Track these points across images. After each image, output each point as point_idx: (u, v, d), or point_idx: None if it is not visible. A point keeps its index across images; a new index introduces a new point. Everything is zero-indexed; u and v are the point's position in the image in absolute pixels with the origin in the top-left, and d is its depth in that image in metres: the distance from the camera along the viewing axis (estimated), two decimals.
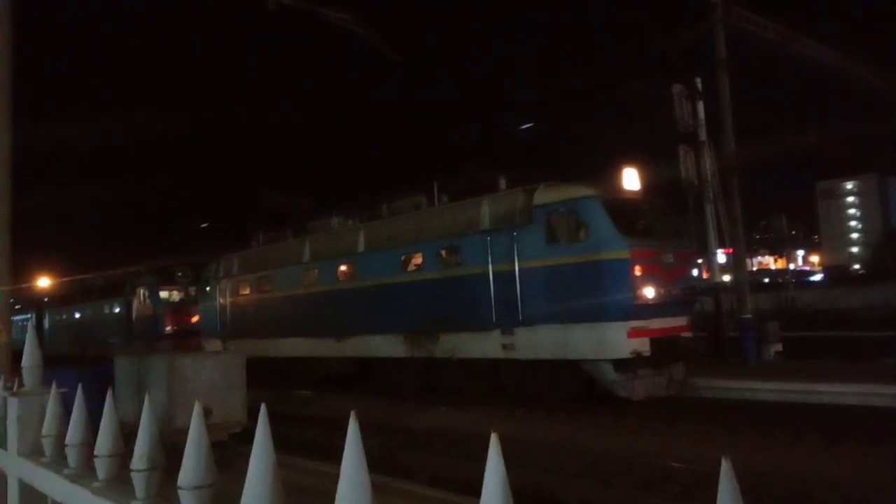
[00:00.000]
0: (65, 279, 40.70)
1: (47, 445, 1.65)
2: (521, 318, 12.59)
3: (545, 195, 12.80)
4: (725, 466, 0.86)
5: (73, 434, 1.51)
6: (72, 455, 1.52)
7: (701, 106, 18.98)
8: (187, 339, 25.44)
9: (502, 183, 14.26)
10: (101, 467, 1.36)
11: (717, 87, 19.70)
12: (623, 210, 12.34)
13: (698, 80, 19.06)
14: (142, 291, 29.36)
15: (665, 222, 13.13)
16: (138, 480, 1.22)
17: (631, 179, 12.92)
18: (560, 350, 12.10)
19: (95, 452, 1.42)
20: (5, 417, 1.96)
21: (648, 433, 10.00)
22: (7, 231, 8.50)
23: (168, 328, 28.33)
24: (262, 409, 0.93)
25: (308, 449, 9.13)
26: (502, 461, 0.95)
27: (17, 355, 9.61)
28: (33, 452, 1.71)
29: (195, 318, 25.63)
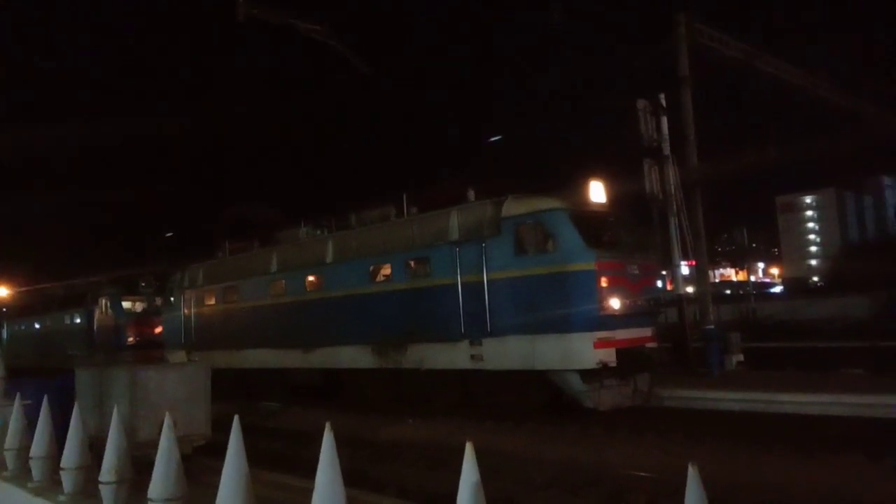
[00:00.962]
0: (24, 289, 39.79)
1: (10, 459, 1.59)
2: (489, 328, 12.59)
3: (513, 207, 12.84)
4: (692, 473, 0.86)
5: (38, 447, 1.45)
6: (36, 468, 1.48)
7: (665, 121, 19.34)
8: (150, 351, 24.97)
9: (471, 194, 14.28)
10: (68, 480, 1.32)
11: (680, 102, 20.10)
12: (589, 222, 12.43)
13: (662, 96, 19.42)
14: (104, 302, 28.90)
15: (631, 234, 13.28)
16: (107, 493, 1.18)
17: (597, 192, 13.05)
18: (528, 361, 12.11)
19: (62, 465, 1.37)
20: None
21: (615, 443, 10.04)
22: None
23: (131, 339, 27.92)
24: (236, 421, 0.92)
25: (275, 462, 8.99)
26: (477, 470, 0.94)
27: None
28: None
29: (159, 329, 25.25)
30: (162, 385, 7.91)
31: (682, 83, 20.10)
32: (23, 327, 35.85)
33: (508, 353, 12.38)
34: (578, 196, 12.88)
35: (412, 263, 14.58)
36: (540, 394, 12.41)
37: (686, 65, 20.12)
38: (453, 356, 13.25)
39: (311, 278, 16.98)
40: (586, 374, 11.63)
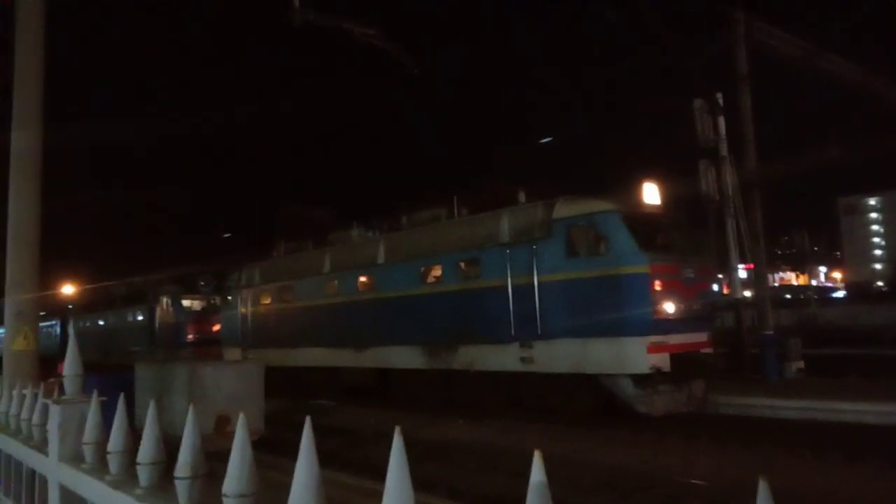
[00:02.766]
0: (89, 286, 41.18)
1: (88, 452, 1.69)
2: (539, 331, 12.53)
3: (565, 209, 12.75)
4: (763, 487, 0.84)
5: (116, 442, 1.54)
6: (114, 462, 1.55)
7: (722, 121, 18.87)
8: (209, 348, 25.46)
9: (522, 196, 14.28)
10: (144, 474, 1.39)
11: (738, 102, 19.57)
12: (643, 224, 12.25)
13: (719, 96, 18.95)
14: (165, 300, 29.47)
15: (685, 237, 13.02)
16: (182, 488, 1.24)
17: (651, 194, 12.84)
18: (579, 364, 12.01)
19: (138, 460, 1.44)
20: (45, 424, 2.00)
21: (668, 449, 9.85)
22: (36, 240, 8.62)
23: (190, 336, 28.32)
24: (307, 425, 0.94)
25: (327, 459, 9.10)
26: (544, 474, 0.94)
27: (42, 361, 9.76)
28: (74, 459, 1.76)
29: (216, 327, 25.74)
30: (219, 381, 8.22)
31: (741, 82, 19.58)
32: (87, 324, 36.99)
33: (559, 355, 12.29)
34: (631, 198, 12.70)
35: (462, 265, 14.60)
36: (591, 398, 12.25)
37: (745, 63, 19.60)
38: (503, 358, 13.20)
39: (362, 279, 17.13)
40: (639, 379, 11.47)
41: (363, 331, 16.50)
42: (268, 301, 20.45)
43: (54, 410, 1.92)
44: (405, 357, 15.32)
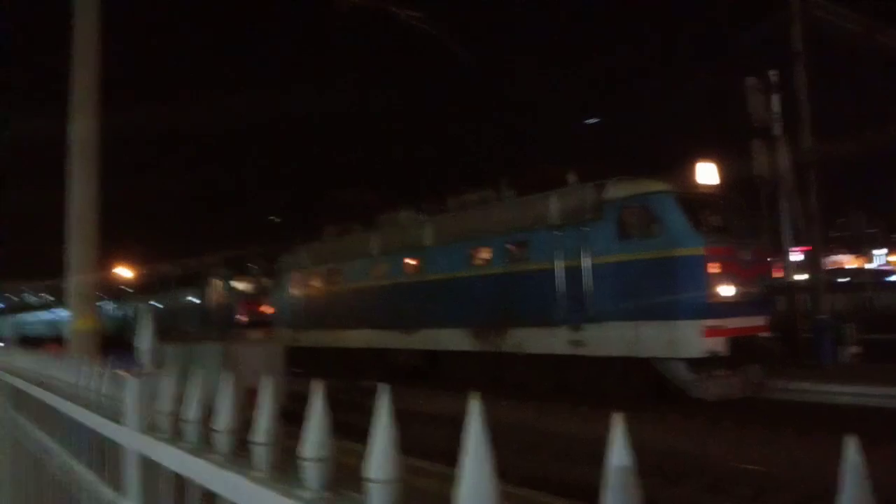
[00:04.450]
0: (144, 269, 42.14)
1: (164, 422, 1.72)
2: (590, 314, 12.33)
3: (616, 190, 12.48)
4: (852, 450, 0.66)
5: (192, 411, 1.56)
6: (190, 430, 1.56)
7: (776, 99, 18.19)
8: (259, 329, 26.04)
9: (571, 178, 13.99)
10: (221, 441, 1.38)
11: (793, 79, 18.84)
12: (698, 205, 11.90)
13: (774, 73, 18.26)
14: (217, 282, 29.88)
15: (742, 219, 12.61)
16: (259, 452, 1.22)
17: (706, 174, 12.43)
18: (631, 347, 11.76)
19: (215, 427, 1.45)
20: (122, 397, 2.07)
21: (719, 434, 9.59)
22: (96, 224, 8.73)
23: (240, 317, 28.66)
24: (384, 390, 0.89)
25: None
26: (628, 453, 0.81)
27: (103, 341, 10.04)
28: (150, 428, 1.80)
29: (266, 308, 26.01)
30: (247, 358, 8.85)
31: (796, 59, 18.81)
32: (143, 305, 37.89)
33: (610, 339, 12.07)
34: (686, 178, 12.35)
35: (511, 247, 14.44)
36: (642, 382, 12.00)
37: (799, 40, 18.81)
38: (552, 341, 13.06)
39: (410, 261, 17.10)
40: (694, 364, 11.16)
41: (411, 313, 16.49)
42: (317, 283, 20.58)
43: (132, 383, 1.97)
44: (453, 339, 15.27)
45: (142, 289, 39.10)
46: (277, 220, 41.31)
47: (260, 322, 26.13)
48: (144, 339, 2.10)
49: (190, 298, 32.34)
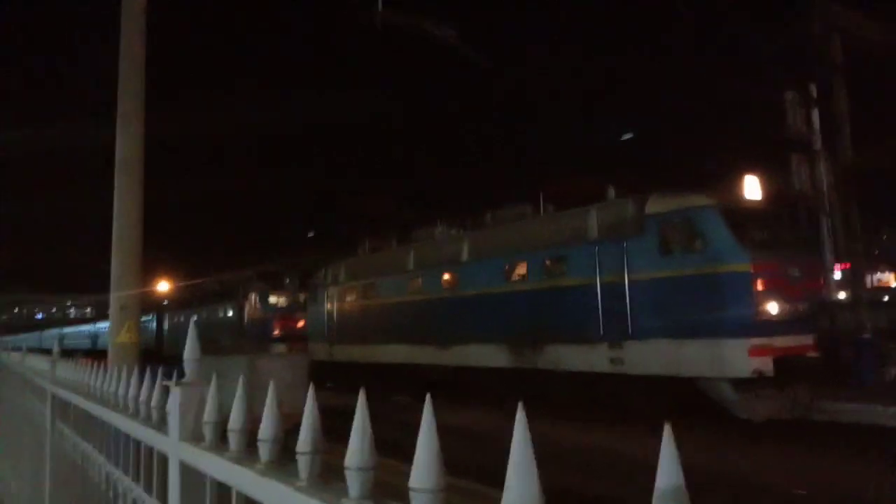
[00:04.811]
0: (182, 283, 42.67)
1: (208, 431, 1.71)
2: (630, 331, 12.03)
3: (658, 204, 12.22)
4: None
5: (235, 420, 1.51)
6: (234, 440, 1.53)
7: (816, 113, 17.73)
8: (294, 343, 26.06)
9: (611, 192, 13.79)
10: (264, 450, 1.42)
11: (832, 93, 18.34)
12: (743, 220, 11.54)
13: (813, 87, 17.81)
14: (253, 296, 30.11)
15: (789, 234, 12.26)
16: (302, 462, 1.26)
17: (752, 187, 12.08)
18: (673, 366, 11.42)
19: (259, 437, 1.46)
20: (164, 406, 2.07)
21: (766, 456, 9.29)
22: (139, 238, 8.73)
23: (276, 332, 28.66)
24: (428, 401, 0.81)
25: (405, 454, 9.02)
26: (681, 481, 0.68)
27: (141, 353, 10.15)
28: (193, 437, 1.76)
29: (301, 323, 26.31)
30: (272, 371, 8.85)
31: (835, 72, 18.30)
32: (181, 319, 38.24)
33: (651, 357, 11.75)
34: (730, 192, 12.03)
35: (548, 262, 14.25)
36: (683, 401, 11.57)
37: (839, 52, 18.33)
38: (591, 358, 12.78)
39: (446, 276, 16.98)
40: (740, 383, 10.78)
41: (446, 328, 16.34)
42: (352, 298, 20.59)
43: (175, 393, 1.96)
44: (488, 355, 15.06)
45: (181, 303, 39.57)
46: (312, 234, 41.50)
47: (295, 336, 26.47)
48: (191, 350, 2.11)
49: (227, 312, 32.63)
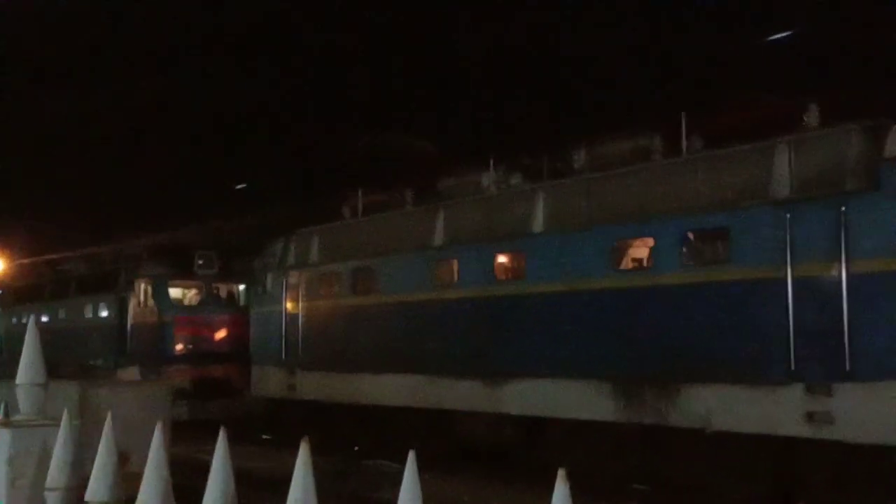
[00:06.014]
0: (26, 262, 42.07)
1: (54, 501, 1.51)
2: (848, 365, 11.61)
3: None
4: None
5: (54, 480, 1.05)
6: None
7: None
8: (212, 367, 26.67)
9: (812, 116, 13.13)
10: None
11: None
12: None
13: None
14: (143, 287, 29.62)
15: None
16: None
17: None
18: None
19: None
20: None
21: None
22: None
23: (179, 346, 28.47)
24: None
25: None
26: None
27: None
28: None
29: (223, 333, 27.30)
30: (115, 407, 8.03)
31: None
32: (22, 320, 37.64)
33: (887, 413, 11.25)
34: None
35: (693, 239, 14.08)
36: None
37: None
38: (772, 412, 12.59)
39: (503, 259, 17.10)
40: None
41: (501, 350, 16.37)
42: (331, 293, 20.80)
43: (2, 437, 2.20)
44: (578, 400, 15.05)
45: (21, 294, 39.08)
46: (241, 185, 40.79)
47: (210, 354, 27.19)
48: (31, 370, 2.61)
49: (99, 311, 32.65)
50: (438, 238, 18.01)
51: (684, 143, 14.82)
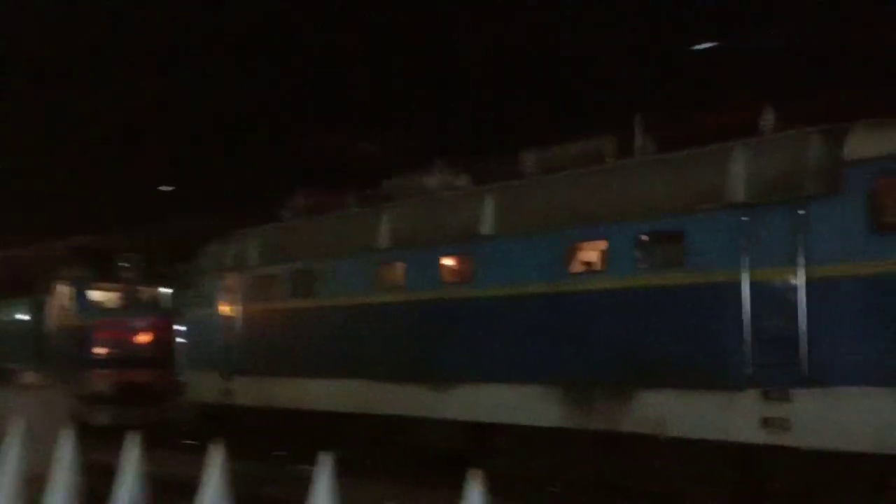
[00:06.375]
0: None
1: None
2: (806, 369, 11.67)
3: (867, 143, 11.79)
4: None
5: None
6: None
7: None
8: (133, 372, 26.54)
9: (768, 118, 13.33)
10: None
11: None
12: None
13: None
14: (62, 289, 29.71)
15: None
16: None
17: None
18: (890, 437, 11.07)
19: None
20: None
21: None
22: None
23: (101, 350, 28.33)
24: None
25: None
26: None
27: None
28: None
29: (149, 337, 27.27)
30: (14, 412, 9.83)
31: None
32: None
33: (846, 419, 11.43)
34: None
35: (647, 242, 13.96)
36: None
37: None
38: (727, 418, 12.57)
39: (450, 262, 17.11)
40: None
41: (448, 354, 16.37)
42: (270, 296, 20.77)
43: None
44: (527, 405, 14.96)
45: None
46: (167, 187, 40.31)
47: (134, 360, 27.15)
48: None
49: (15, 314, 33.08)
50: (383, 240, 18.04)
51: (637, 145, 15.05)
